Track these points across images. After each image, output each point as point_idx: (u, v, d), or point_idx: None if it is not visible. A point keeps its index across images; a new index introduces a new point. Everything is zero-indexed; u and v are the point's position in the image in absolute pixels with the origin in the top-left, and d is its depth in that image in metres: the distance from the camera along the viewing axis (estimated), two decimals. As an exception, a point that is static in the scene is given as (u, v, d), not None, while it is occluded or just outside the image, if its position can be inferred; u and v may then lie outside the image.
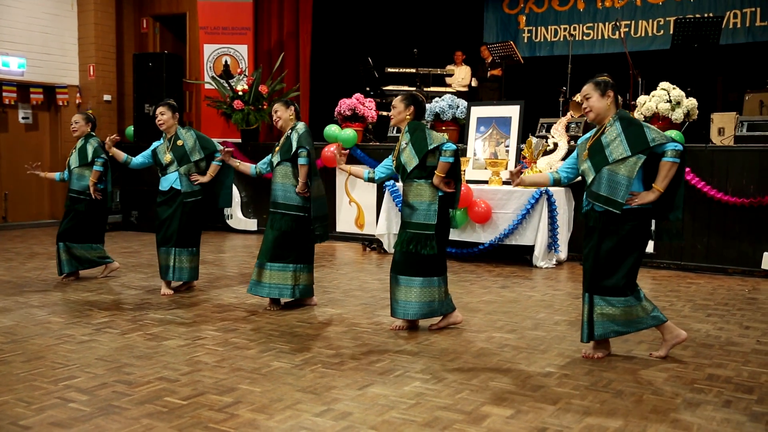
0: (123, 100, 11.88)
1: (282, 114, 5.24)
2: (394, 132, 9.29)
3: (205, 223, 6.12)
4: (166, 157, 5.75)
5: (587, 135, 4.16)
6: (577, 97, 8.88)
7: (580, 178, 4.24)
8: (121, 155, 5.99)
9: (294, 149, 5.11)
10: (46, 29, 10.96)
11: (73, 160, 6.36)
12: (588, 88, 4.02)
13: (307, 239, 5.23)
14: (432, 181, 4.52)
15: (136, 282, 6.37)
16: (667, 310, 5.31)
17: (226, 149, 5.50)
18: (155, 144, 5.90)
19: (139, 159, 5.96)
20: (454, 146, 4.53)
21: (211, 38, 11.32)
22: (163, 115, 5.77)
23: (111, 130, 11.30)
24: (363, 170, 4.97)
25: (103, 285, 6.23)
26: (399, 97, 4.74)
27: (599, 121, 4.02)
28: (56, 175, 6.62)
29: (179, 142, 5.76)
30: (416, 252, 4.53)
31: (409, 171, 4.57)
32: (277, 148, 5.26)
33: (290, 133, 5.20)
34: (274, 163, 5.25)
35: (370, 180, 4.93)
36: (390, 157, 4.84)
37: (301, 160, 5.10)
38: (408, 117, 4.65)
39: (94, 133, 6.47)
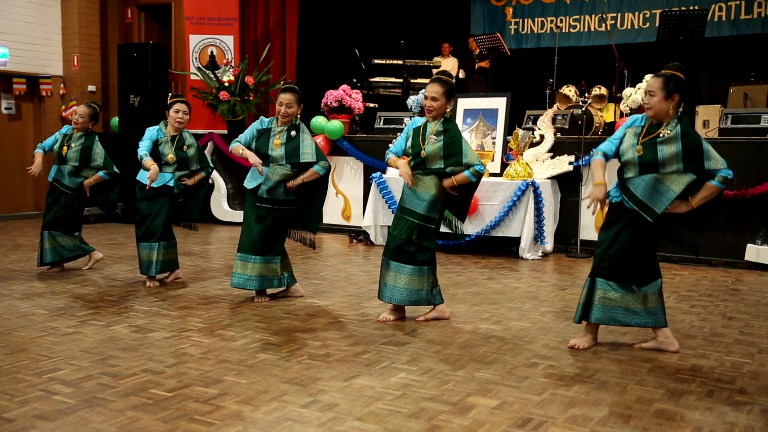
0: (108, 91, 11.76)
1: (294, 110, 5.02)
2: (381, 124, 9.27)
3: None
4: (170, 157, 5.68)
5: (639, 121, 3.97)
6: (565, 89, 8.91)
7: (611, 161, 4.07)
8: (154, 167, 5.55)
9: (313, 159, 5.02)
10: (29, 18, 10.83)
11: (73, 156, 6.16)
12: (654, 85, 3.84)
13: (286, 229, 5.24)
14: (444, 179, 4.51)
15: (121, 274, 6.33)
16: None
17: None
18: (153, 134, 5.69)
19: (143, 149, 5.62)
20: (483, 169, 4.51)
21: (196, 28, 11.22)
22: (186, 115, 5.72)
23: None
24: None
25: (87, 277, 6.19)
26: (438, 87, 4.47)
27: (657, 120, 3.89)
28: (38, 150, 6.24)
29: (185, 148, 5.74)
30: (417, 243, 4.53)
31: (427, 166, 4.51)
32: (278, 141, 5.03)
33: (298, 135, 5.06)
34: (273, 158, 5.02)
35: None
36: (404, 138, 4.63)
37: (320, 170, 5.07)
38: (448, 111, 4.56)
39: (94, 131, 6.36)
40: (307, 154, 5.04)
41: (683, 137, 3.83)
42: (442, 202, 4.55)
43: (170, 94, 5.98)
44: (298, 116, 5.13)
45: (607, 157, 4.07)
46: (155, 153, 5.68)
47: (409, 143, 4.61)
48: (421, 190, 4.54)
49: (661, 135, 3.86)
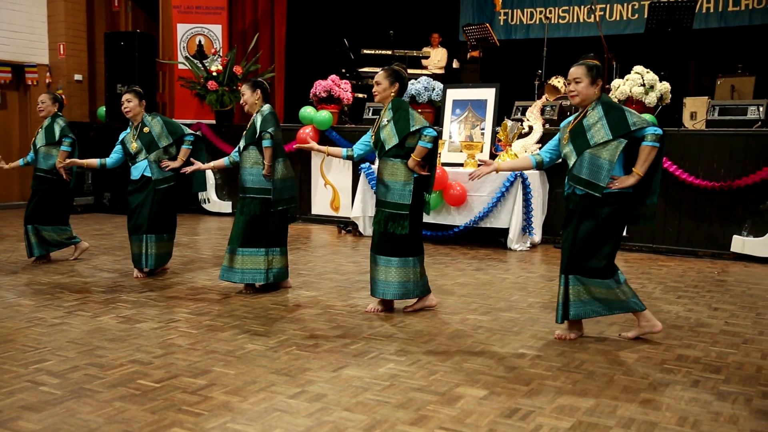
0: (94, 80, 11.67)
1: (248, 98, 5.18)
2: (370, 114, 9.25)
3: (179, 207, 6.05)
4: (133, 146, 5.67)
5: (569, 119, 4.17)
6: (554, 80, 8.91)
7: (561, 160, 4.27)
8: (94, 162, 5.83)
9: (258, 133, 5.08)
10: (14, 6, 10.70)
11: (40, 139, 6.27)
12: (579, 72, 3.98)
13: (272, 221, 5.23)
14: (408, 162, 4.52)
15: (108, 264, 6.30)
16: (638, 292, 5.36)
17: (192, 163, 5.42)
18: (122, 135, 5.82)
19: (113, 157, 5.84)
20: (434, 132, 4.52)
21: (184, 17, 11.14)
22: (130, 102, 5.69)
23: (83, 111, 11.12)
24: (341, 150, 4.89)
25: (74, 267, 6.15)
26: (382, 72, 4.65)
27: (583, 105, 4.03)
28: (20, 162, 6.47)
29: (146, 130, 5.69)
30: (392, 232, 4.54)
31: (387, 149, 4.55)
32: (244, 132, 5.24)
33: (255, 117, 5.17)
34: (241, 148, 5.21)
35: (349, 158, 4.84)
36: (369, 133, 4.78)
37: (265, 143, 5.06)
38: (392, 94, 4.61)
39: (60, 113, 6.38)
40: (257, 129, 5.10)
41: (605, 109, 3.96)
42: (411, 186, 4.54)
43: None
44: (258, 102, 5.17)
45: (540, 164, 4.26)
46: (126, 153, 5.77)
47: (373, 139, 4.72)
48: (388, 179, 4.57)
49: (586, 116, 4.00)
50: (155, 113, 5.92)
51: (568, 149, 4.05)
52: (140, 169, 5.68)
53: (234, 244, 5.15)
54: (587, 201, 3.97)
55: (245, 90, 5.21)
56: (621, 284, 4.02)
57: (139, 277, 5.71)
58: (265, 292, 5.28)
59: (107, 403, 3.05)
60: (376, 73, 4.69)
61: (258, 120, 5.12)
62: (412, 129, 4.48)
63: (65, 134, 6.23)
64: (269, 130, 5.05)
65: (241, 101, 5.25)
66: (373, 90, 4.70)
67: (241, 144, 5.22)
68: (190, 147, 5.80)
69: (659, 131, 3.89)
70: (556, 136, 4.24)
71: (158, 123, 5.74)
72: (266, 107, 5.18)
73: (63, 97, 6.60)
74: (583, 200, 3.99)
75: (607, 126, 3.90)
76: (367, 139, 4.81)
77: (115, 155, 5.85)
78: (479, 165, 4.34)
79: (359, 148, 4.84)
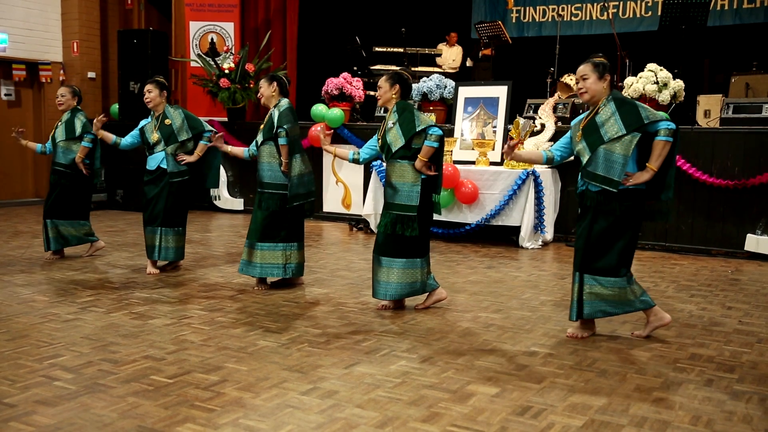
0: (108, 78, 11.73)
1: (264, 90, 5.21)
2: (382, 111, 9.25)
3: (191, 203, 6.07)
4: (154, 136, 5.69)
5: (581, 116, 4.16)
6: (566, 78, 8.87)
7: (572, 158, 4.26)
8: (110, 137, 5.90)
9: (275, 128, 5.10)
10: (29, 4, 10.77)
11: (59, 133, 6.27)
12: (586, 69, 4.00)
13: (295, 217, 5.23)
14: (415, 162, 4.52)
15: (122, 261, 6.33)
16: (651, 290, 5.36)
17: (217, 135, 5.49)
18: (143, 122, 5.83)
19: (128, 140, 5.87)
20: (440, 131, 4.53)
21: (196, 15, 11.18)
22: (151, 93, 5.71)
23: (96, 108, 11.17)
24: (348, 152, 4.92)
25: (88, 264, 6.19)
26: (384, 76, 4.74)
27: (593, 102, 4.03)
28: (38, 147, 6.44)
29: (167, 121, 5.71)
30: (400, 234, 4.54)
31: (393, 151, 4.56)
32: (261, 126, 5.25)
33: (273, 111, 5.17)
34: (258, 143, 5.23)
35: (355, 161, 4.86)
36: (375, 137, 4.81)
37: (281, 141, 5.09)
38: (394, 96, 4.65)
39: (80, 108, 6.40)
40: (275, 125, 5.11)
41: (617, 104, 3.95)
42: (419, 187, 4.55)
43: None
44: (275, 95, 5.19)
45: (550, 160, 4.22)
46: (144, 142, 5.78)
47: (380, 143, 4.73)
48: (396, 181, 4.58)
49: (598, 113, 3.99)
50: (177, 105, 5.93)
51: (581, 146, 4.04)
52: (157, 160, 5.71)
53: (252, 238, 5.17)
54: (602, 198, 3.96)
55: (262, 83, 5.23)
56: (632, 284, 4.02)
57: (152, 273, 5.75)
58: (277, 288, 5.30)
59: (121, 398, 3.08)
60: (389, 71, 4.73)
61: (275, 115, 5.12)
62: (418, 129, 4.48)
63: (87, 130, 6.23)
64: (284, 126, 5.06)
65: (258, 94, 5.27)
66: (376, 95, 4.79)
67: (259, 138, 5.22)
68: (208, 143, 5.79)
69: (672, 126, 3.89)
70: (567, 134, 4.22)
71: (179, 116, 5.77)
72: (284, 101, 5.18)
73: (81, 90, 6.60)
74: (598, 197, 3.98)
75: (620, 121, 3.89)
76: (373, 143, 4.82)
77: (131, 139, 5.87)
78: (504, 151, 4.26)
79: (365, 152, 4.85)
